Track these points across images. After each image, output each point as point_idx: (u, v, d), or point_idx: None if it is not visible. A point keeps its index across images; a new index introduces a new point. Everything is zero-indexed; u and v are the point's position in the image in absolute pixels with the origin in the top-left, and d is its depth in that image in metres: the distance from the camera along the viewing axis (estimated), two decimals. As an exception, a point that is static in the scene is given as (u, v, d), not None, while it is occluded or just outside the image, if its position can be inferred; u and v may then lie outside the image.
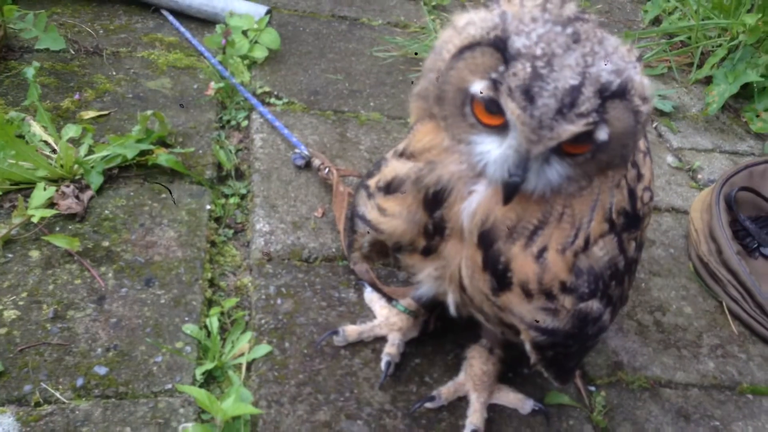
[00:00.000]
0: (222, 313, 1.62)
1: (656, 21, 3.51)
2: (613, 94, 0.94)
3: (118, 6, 2.70)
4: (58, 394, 1.39)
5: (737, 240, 2.04)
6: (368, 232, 1.28)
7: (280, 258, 1.78)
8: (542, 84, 0.91)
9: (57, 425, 1.33)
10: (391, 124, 2.36)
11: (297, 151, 2.09)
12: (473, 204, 1.10)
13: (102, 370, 1.44)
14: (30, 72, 1.91)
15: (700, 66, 3.07)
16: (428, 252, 1.21)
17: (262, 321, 1.62)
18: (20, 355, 1.44)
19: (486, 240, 1.11)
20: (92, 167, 1.84)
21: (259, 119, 2.25)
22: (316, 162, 2.03)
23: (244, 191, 1.99)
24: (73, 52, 2.39)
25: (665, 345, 1.80)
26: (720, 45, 3.01)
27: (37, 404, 1.37)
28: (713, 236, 2.01)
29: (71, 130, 1.95)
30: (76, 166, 1.84)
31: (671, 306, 1.92)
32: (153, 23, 2.66)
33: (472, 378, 1.52)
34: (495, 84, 0.95)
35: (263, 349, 1.55)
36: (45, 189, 1.73)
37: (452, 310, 1.33)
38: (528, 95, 0.92)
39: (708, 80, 3.01)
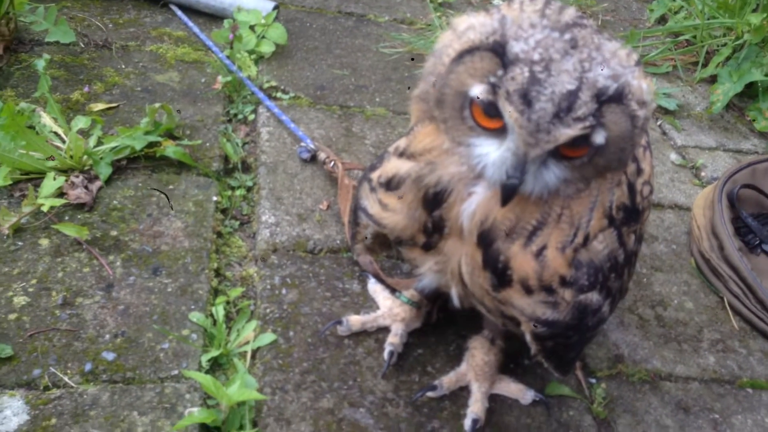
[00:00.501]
0: (228, 302, 1.65)
1: (662, 20, 3.52)
2: (610, 99, 0.96)
3: (127, 0, 2.72)
4: (66, 379, 1.41)
5: (739, 236, 2.05)
6: (370, 225, 1.30)
7: (285, 249, 1.81)
8: (540, 88, 0.93)
9: (65, 409, 1.36)
10: (396, 119, 2.38)
11: (303, 144, 2.11)
12: (473, 205, 1.12)
13: (110, 356, 1.47)
14: (40, 64, 1.94)
15: (705, 65, 3.08)
16: (428, 247, 1.24)
17: (267, 310, 1.64)
18: (30, 340, 1.47)
19: (485, 239, 1.13)
20: (101, 158, 1.87)
21: (265, 113, 2.27)
22: (322, 155, 2.05)
23: (250, 183, 2.01)
24: (82, 46, 2.41)
25: (666, 339, 1.82)
26: (725, 44, 3.03)
27: (46, 388, 1.39)
28: (715, 233, 2.03)
29: (81, 122, 1.98)
30: (85, 157, 1.87)
31: (672, 301, 1.94)
32: (162, 18, 2.69)
33: (474, 368, 1.54)
34: (493, 88, 0.97)
35: (268, 337, 1.57)
36: (55, 179, 1.76)
37: (456, 301, 1.34)
38: (526, 99, 0.93)
39: (713, 79, 3.03)
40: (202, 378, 1.36)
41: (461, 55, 1.01)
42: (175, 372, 1.47)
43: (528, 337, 1.26)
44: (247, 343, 1.56)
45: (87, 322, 1.53)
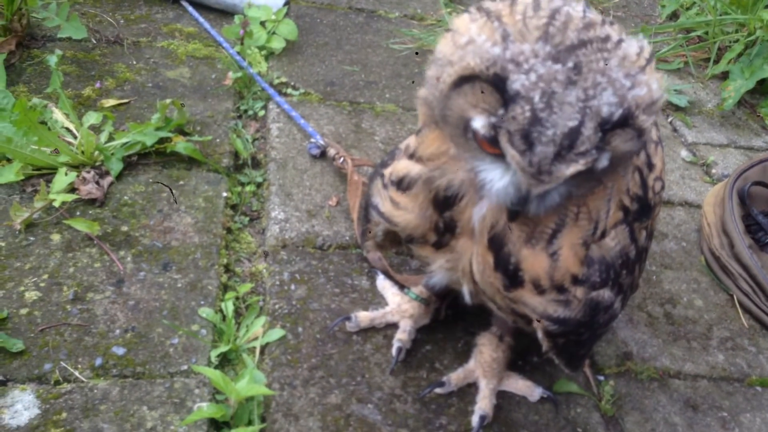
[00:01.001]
0: (237, 298, 1.66)
1: (674, 16, 3.50)
2: (615, 125, 0.91)
3: (138, -4, 2.74)
4: (77, 373, 1.42)
5: (749, 234, 2.04)
6: (381, 222, 1.30)
7: (295, 245, 1.81)
8: (541, 129, 0.89)
9: (76, 403, 1.37)
10: (406, 116, 2.38)
11: (312, 140, 2.11)
12: (483, 208, 1.13)
13: (120, 351, 1.48)
14: (53, 60, 1.95)
15: (716, 61, 3.06)
16: (439, 246, 1.24)
17: (276, 306, 1.65)
18: (41, 334, 1.48)
19: (496, 242, 1.14)
20: (112, 154, 1.88)
21: (275, 109, 2.27)
22: (332, 151, 2.06)
23: (260, 179, 2.02)
24: (94, 42, 2.43)
25: (675, 337, 1.81)
26: (737, 40, 3.01)
27: (57, 383, 1.41)
28: (725, 230, 2.02)
29: (92, 118, 1.99)
30: (96, 153, 1.88)
31: (682, 298, 1.93)
32: (173, 14, 2.70)
33: (482, 365, 1.54)
34: (494, 127, 0.93)
35: (277, 333, 1.58)
36: (66, 174, 1.78)
37: (467, 298, 1.34)
38: (527, 140, 0.90)
39: (724, 75, 3.00)
40: (211, 373, 1.37)
41: (460, 82, 0.96)
42: (185, 367, 1.48)
43: (540, 334, 1.26)
44: (256, 338, 1.57)
45: (98, 317, 1.54)
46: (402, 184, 1.21)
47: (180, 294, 1.63)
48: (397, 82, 2.57)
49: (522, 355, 1.63)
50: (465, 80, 0.95)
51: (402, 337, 1.59)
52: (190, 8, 2.71)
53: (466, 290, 1.32)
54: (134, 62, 2.37)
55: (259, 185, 2.01)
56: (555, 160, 0.90)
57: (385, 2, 3.12)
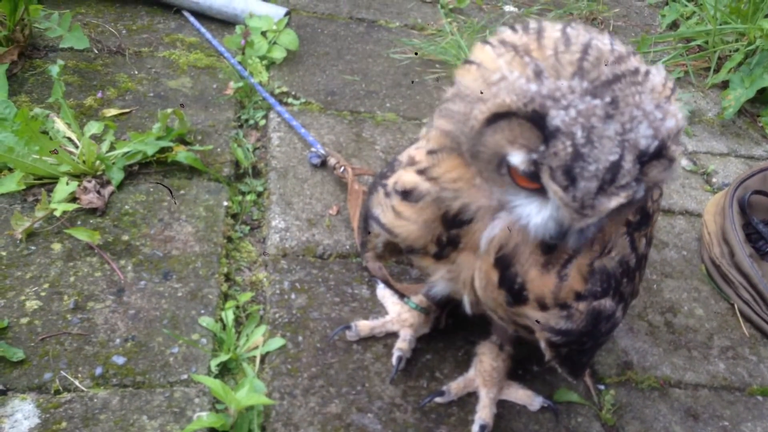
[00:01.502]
0: (237, 307, 1.66)
1: (674, 25, 3.51)
2: (651, 157, 0.91)
3: (140, 7, 2.75)
4: (77, 383, 1.43)
5: (750, 243, 2.04)
6: (382, 234, 1.30)
7: (295, 254, 1.81)
8: (583, 164, 0.89)
9: (76, 412, 1.37)
10: (406, 125, 2.38)
11: (313, 150, 2.12)
12: (495, 230, 1.12)
13: (120, 360, 1.48)
14: (54, 70, 1.96)
15: (716, 70, 3.07)
16: (440, 257, 1.24)
17: (276, 315, 1.65)
18: (41, 344, 1.48)
19: (503, 262, 1.14)
20: (113, 163, 1.89)
21: (276, 118, 2.28)
22: (332, 161, 2.06)
23: (260, 189, 2.02)
24: (96, 52, 2.44)
25: (676, 346, 1.81)
26: (737, 50, 3.01)
27: (57, 392, 1.41)
28: (726, 239, 2.02)
29: (93, 127, 1.99)
30: (97, 162, 1.89)
31: (683, 307, 1.93)
32: (174, 24, 2.71)
33: (482, 374, 1.54)
34: (535, 163, 0.93)
35: (277, 342, 1.58)
36: (67, 184, 1.78)
37: (467, 308, 1.34)
38: (569, 176, 0.90)
39: (724, 85, 3.01)
40: (211, 382, 1.37)
41: (495, 119, 0.95)
42: (185, 376, 1.48)
43: (542, 344, 1.26)
44: (256, 347, 1.57)
45: (98, 327, 1.54)
46: (409, 196, 1.19)
47: (180, 303, 1.63)
48: (398, 91, 2.57)
49: (522, 364, 1.63)
50: (500, 117, 0.94)
51: (402, 346, 1.59)
52: (191, 18, 2.73)
53: (466, 300, 1.31)
54: (136, 72, 2.38)
55: (259, 194, 2.01)
56: (597, 194, 0.91)
57: (385, 12, 3.13)
